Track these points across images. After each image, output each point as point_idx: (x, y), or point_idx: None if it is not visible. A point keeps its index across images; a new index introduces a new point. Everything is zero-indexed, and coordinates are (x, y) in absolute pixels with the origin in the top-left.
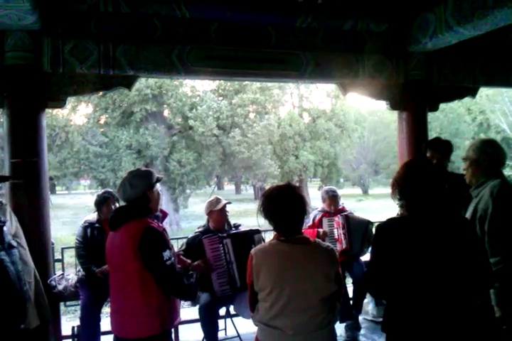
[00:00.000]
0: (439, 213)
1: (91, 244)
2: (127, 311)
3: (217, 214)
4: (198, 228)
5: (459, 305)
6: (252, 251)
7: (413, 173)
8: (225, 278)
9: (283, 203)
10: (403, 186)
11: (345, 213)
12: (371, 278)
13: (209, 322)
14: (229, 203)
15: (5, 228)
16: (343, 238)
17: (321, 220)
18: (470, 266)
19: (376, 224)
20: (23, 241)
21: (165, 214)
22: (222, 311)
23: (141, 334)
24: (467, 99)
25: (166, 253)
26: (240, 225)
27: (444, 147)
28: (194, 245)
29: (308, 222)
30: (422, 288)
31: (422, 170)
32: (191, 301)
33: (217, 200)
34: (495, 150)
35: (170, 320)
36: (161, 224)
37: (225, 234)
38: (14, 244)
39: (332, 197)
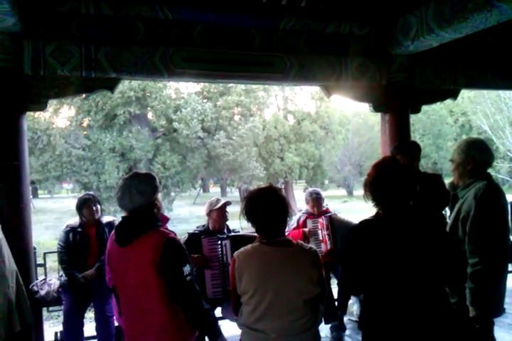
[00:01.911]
0: (410, 213)
1: (73, 248)
2: (156, 329)
3: (218, 213)
4: (198, 227)
5: (431, 303)
6: (235, 254)
7: (383, 174)
8: (219, 280)
9: (264, 205)
10: (374, 187)
11: (329, 214)
12: (347, 277)
13: None
14: (229, 203)
15: None
16: (327, 239)
17: (305, 222)
18: (440, 264)
19: None
20: (4, 245)
21: (166, 219)
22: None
23: None
24: (449, 101)
25: (187, 268)
26: (238, 231)
27: (411, 148)
28: (189, 244)
29: (293, 223)
30: (394, 287)
31: (392, 170)
32: (211, 336)
33: (217, 200)
34: (481, 153)
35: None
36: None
37: (224, 236)
38: None
39: (315, 199)
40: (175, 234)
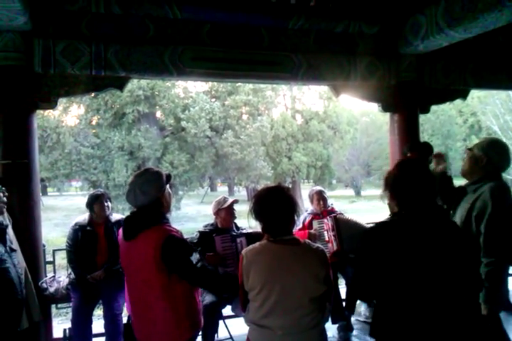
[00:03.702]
0: (432, 215)
1: (82, 248)
2: (155, 321)
3: (226, 212)
4: (206, 226)
5: (451, 310)
6: (243, 251)
7: (407, 173)
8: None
9: (271, 203)
10: (396, 187)
11: (334, 214)
12: (359, 281)
13: (211, 324)
14: (236, 201)
15: (8, 230)
16: (333, 239)
17: (310, 223)
18: (461, 270)
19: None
20: (15, 242)
21: None
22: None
23: None
24: (458, 101)
25: (193, 257)
26: (244, 229)
27: (421, 148)
28: (202, 242)
29: (299, 224)
30: (413, 293)
31: (416, 170)
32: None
33: (225, 199)
34: (498, 155)
35: (198, 322)
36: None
37: (237, 233)
38: (15, 247)
39: (319, 194)
40: (177, 232)
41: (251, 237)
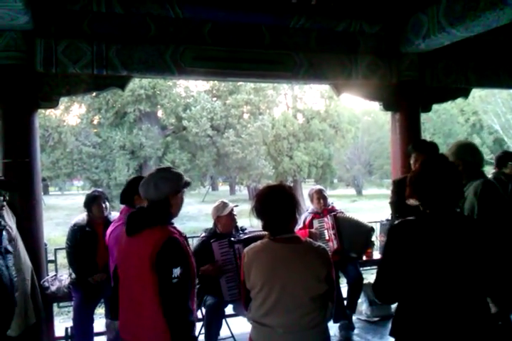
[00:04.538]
0: (457, 215)
1: (82, 249)
2: (144, 323)
3: (226, 219)
4: (204, 232)
5: (471, 312)
6: (245, 249)
7: (432, 172)
8: (234, 282)
9: (272, 201)
10: (420, 185)
11: (334, 213)
12: (383, 282)
13: (215, 323)
14: (236, 206)
15: (4, 232)
16: (333, 238)
17: (311, 222)
18: (486, 272)
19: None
20: (20, 241)
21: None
22: None
23: None
24: (460, 100)
25: (176, 271)
26: (246, 228)
27: (430, 149)
28: (201, 251)
29: (299, 224)
30: (434, 293)
31: (441, 168)
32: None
33: (224, 205)
34: (469, 154)
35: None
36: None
37: (234, 239)
38: (10, 249)
39: (318, 193)
40: (180, 235)
41: (249, 243)
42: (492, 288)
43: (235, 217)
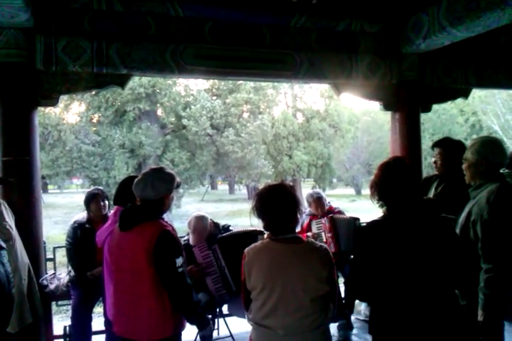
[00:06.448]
0: (418, 213)
1: (81, 246)
2: (139, 314)
3: (195, 235)
4: (188, 234)
5: (440, 306)
6: (246, 249)
7: (387, 174)
8: (220, 283)
9: (272, 201)
10: (380, 187)
11: (331, 215)
12: (355, 281)
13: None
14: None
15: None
16: (330, 241)
17: (309, 225)
18: (449, 266)
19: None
20: (18, 238)
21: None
22: None
23: (153, 337)
24: (460, 100)
25: (179, 260)
26: (229, 226)
27: (453, 146)
28: (186, 252)
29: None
30: (402, 290)
31: (397, 170)
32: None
33: (193, 220)
34: (495, 154)
35: (182, 322)
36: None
37: (211, 240)
38: (3, 245)
39: (317, 200)
40: (172, 228)
41: (224, 241)
42: (458, 281)
43: (206, 229)
